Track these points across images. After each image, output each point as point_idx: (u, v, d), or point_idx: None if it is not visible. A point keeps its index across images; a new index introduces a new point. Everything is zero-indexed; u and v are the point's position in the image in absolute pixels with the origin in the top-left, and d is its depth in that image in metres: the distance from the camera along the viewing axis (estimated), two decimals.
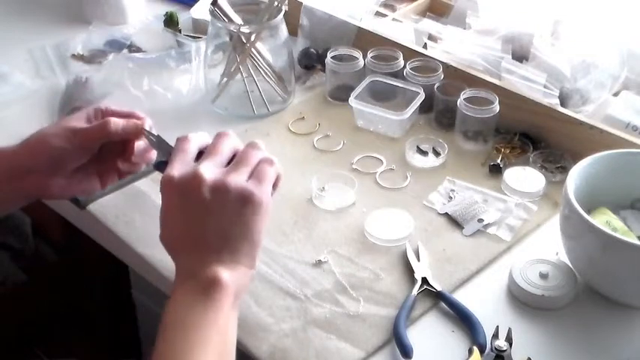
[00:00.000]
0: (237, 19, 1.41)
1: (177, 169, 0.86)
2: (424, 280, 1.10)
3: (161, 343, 0.80)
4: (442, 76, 1.40)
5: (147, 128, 1.00)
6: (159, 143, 0.97)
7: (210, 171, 0.86)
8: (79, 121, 1.00)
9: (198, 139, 0.91)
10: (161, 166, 0.93)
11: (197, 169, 0.86)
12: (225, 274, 0.83)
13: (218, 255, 0.84)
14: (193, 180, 0.85)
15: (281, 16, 1.40)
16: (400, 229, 1.18)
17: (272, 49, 1.44)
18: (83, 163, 0.99)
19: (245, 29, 1.39)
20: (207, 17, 1.43)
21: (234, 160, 0.89)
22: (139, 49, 1.60)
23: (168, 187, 0.86)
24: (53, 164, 0.97)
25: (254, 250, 0.87)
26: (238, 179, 0.86)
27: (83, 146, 0.98)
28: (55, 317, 2.00)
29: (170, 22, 1.63)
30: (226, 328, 0.83)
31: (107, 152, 1.02)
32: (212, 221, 0.85)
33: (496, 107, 1.32)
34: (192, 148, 0.89)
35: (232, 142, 0.91)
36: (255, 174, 0.87)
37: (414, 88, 1.38)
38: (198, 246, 0.85)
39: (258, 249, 0.88)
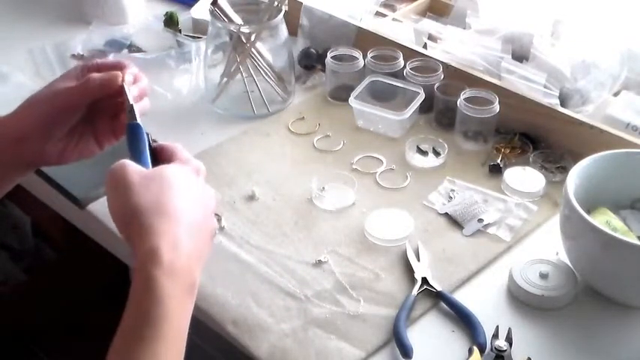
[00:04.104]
0: (237, 19, 1.41)
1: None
2: (424, 280, 1.10)
3: None
4: (442, 76, 1.40)
5: (128, 77, 0.93)
6: (131, 108, 0.90)
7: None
8: (65, 82, 0.96)
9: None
10: (134, 128, 0.88)
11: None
12: None
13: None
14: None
15: (281, 16, 1.40)
16: (400, 229, 1.18)
17: (272, 49, 1.44)
18: (75, 124, 0.95)
19: (245, 29, 1.39)
20: (207, 17, 1.43)
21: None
22: (139, 49, 1.60)
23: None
24: (43, 130, 0.94)
25: None
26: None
27: (67, 108, 0.94)
28: (55, 317, 2.00)
29: (170, 22, 1.63)
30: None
31: (99, 110, 0.96)
32: None
33: (496, 107, 1.32)
34: None
35: None
36: None
37: (414, 88, 1.38)
38: None
39: None
